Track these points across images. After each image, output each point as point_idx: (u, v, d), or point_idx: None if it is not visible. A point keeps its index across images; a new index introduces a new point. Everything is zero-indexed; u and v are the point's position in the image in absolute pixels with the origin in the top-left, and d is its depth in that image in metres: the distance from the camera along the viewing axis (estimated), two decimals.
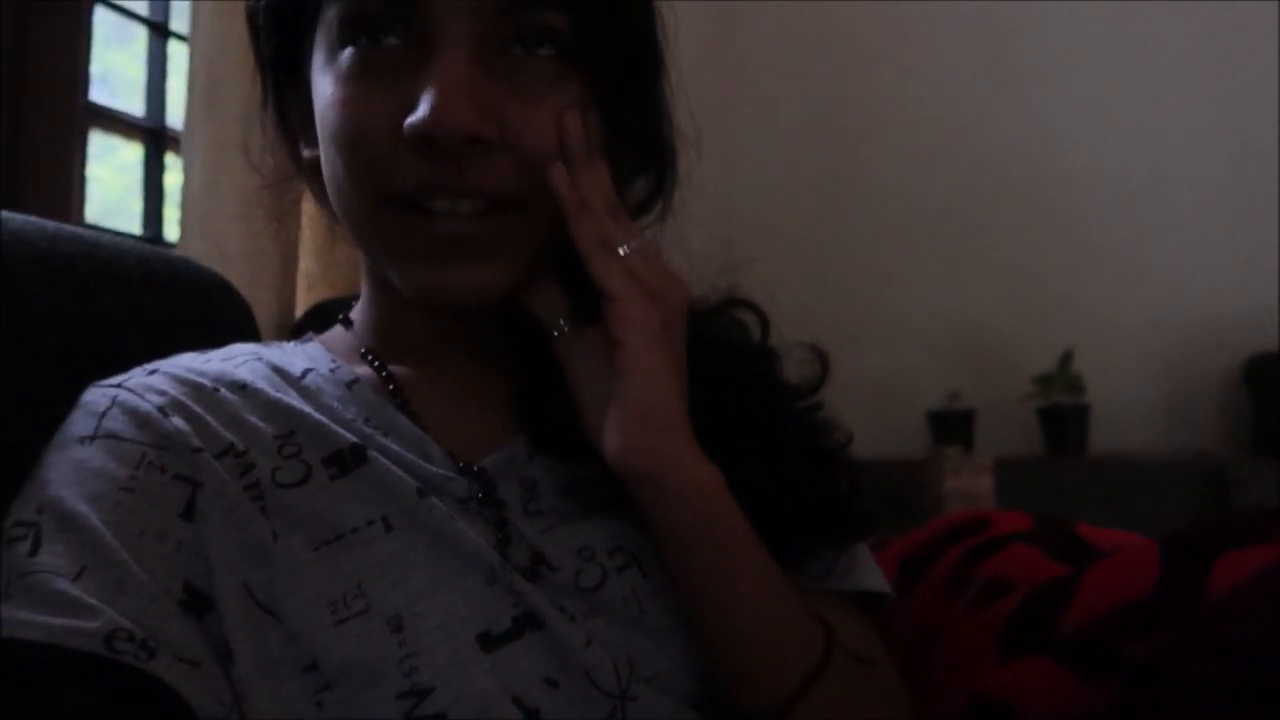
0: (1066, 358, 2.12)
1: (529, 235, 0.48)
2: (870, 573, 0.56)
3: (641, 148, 0.53)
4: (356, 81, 0.46)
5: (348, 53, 0.47)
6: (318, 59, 0.49)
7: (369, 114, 0.46)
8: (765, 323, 0.57)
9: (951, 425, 2.17)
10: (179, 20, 1.31)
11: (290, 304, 1.02)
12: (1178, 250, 2.21)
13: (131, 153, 1.31)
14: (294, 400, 0.50)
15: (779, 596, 0.47)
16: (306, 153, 0.54)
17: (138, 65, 1.32)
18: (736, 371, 0.55)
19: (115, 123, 1.21)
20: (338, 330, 0.58)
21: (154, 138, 1.24)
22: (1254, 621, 0.43)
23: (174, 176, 1.29)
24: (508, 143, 0.46)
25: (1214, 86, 2.19)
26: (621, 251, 0.47)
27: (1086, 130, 2.28)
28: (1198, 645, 0.44)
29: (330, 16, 0.47)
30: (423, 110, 0.44)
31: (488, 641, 0.44)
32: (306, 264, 1.05)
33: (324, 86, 0.48)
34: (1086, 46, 2.28)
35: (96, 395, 0.48)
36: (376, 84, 0.46)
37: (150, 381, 0.49)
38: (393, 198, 0.47)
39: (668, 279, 0.49)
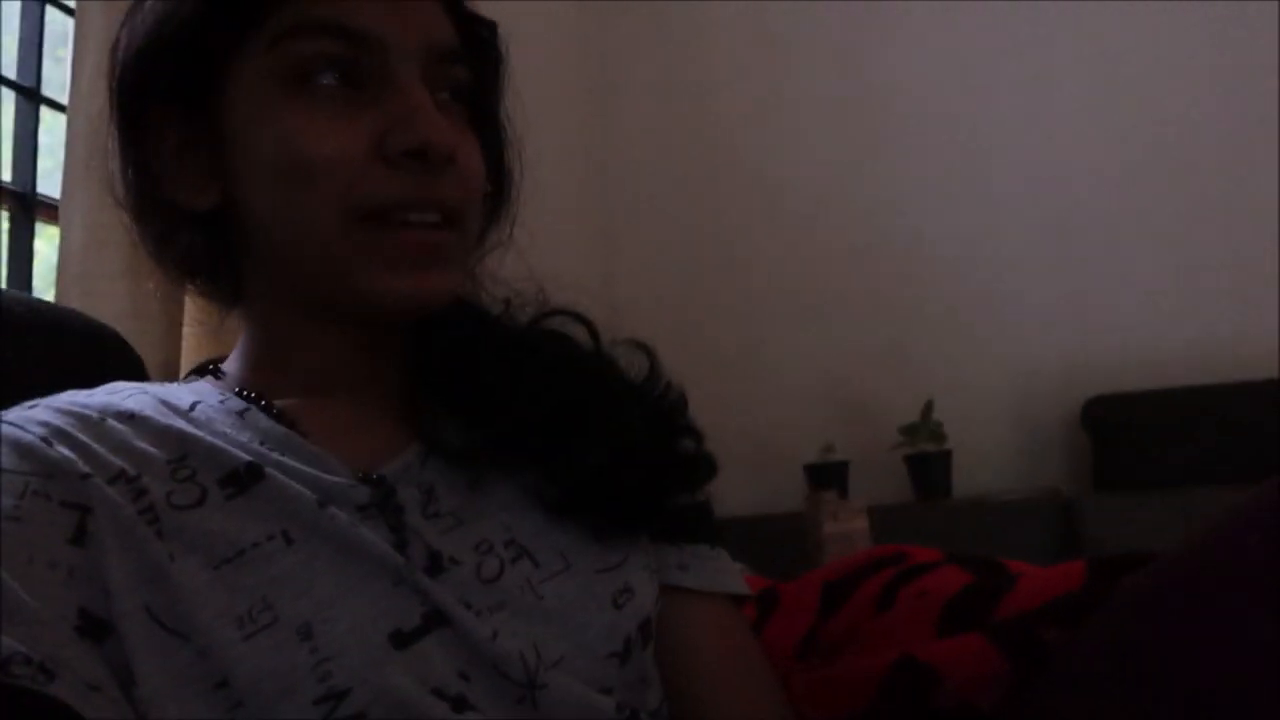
0: (928, 408, 2.25)
1: (468, 248, 0.57)
2: (734, 576, 0.60)
3: (495, 180, 0.62)
4: (320, 112, 0.51)
5: (306, 87, 0.51)
6: (253, 95, 0.52)
7: (340, 138, 0.51)
8: (594, 332, 0.62)
9: (827, 476, 2.25)
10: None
11: (175, 362, 1.00)
12: (1016, 306, 2.41)
13: None
14: (184, 426, 0.50)
15: None
16: (203, 199, 0.55)
17: None
18: (572, 359, 0.60)
19: None
20: (209, 381, 0.58)
21: (21, 202, 1.21)
22: (1131, 609, 0.50)
23: (40, 243, 1.25)
24: (459, 164, 0.53)
25: (1034, 166, 2.42)
26: None
27: (927, 200, 2.48)
28: (1089, 627, 0.52)
29: (280, 55, 0.51)
30: (417, 130, 0.50)
31: (400, 639, 0.45)
32: (192, 326, 1.03)
33: (279, 118, 0.51)
34: (925, 125, 2.50)
35: None
36: (337, 113, 0.51)
37: (32, 414, 0.48)
38: (365, 213, 0.51)
39: None
